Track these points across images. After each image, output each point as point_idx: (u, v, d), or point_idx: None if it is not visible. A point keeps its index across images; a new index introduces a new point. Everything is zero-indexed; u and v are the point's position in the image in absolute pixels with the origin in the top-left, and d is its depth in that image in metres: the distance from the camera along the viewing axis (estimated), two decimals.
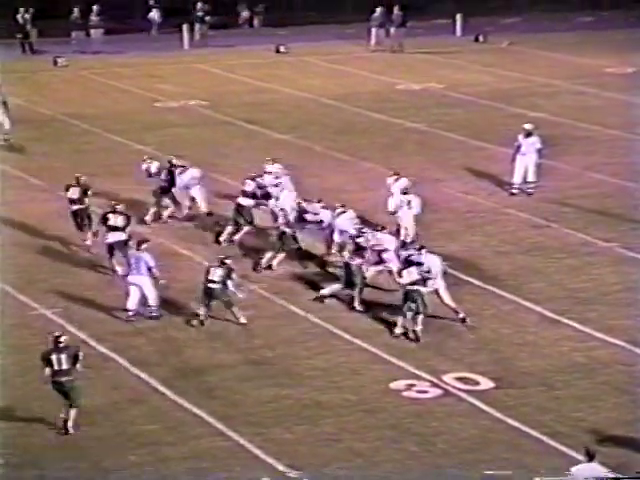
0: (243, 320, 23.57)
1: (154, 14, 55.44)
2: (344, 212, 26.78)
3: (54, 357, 19.71)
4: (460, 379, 21.48)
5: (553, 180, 32.34)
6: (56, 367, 19.65)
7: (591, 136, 37.35)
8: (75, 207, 27.78)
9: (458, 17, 55.41)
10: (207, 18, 54.58)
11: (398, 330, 23.04)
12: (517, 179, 31.59)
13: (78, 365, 19.76)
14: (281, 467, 18.40)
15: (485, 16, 56.67)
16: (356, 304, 24.41)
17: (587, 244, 28.12)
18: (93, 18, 53.53)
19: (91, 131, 38.70)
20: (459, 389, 21.07)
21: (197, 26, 54.08)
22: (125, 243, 25.60)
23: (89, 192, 27.90)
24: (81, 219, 27.66)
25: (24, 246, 28.28)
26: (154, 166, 29.76)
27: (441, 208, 30.22)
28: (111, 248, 25.89)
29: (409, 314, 22.88)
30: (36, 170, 34.08)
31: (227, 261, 24.02)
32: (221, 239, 27.91)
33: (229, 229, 27.98)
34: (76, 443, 19.28)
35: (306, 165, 33.34)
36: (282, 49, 51.85)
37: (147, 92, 44.23)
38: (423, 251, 23.90)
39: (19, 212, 30.57)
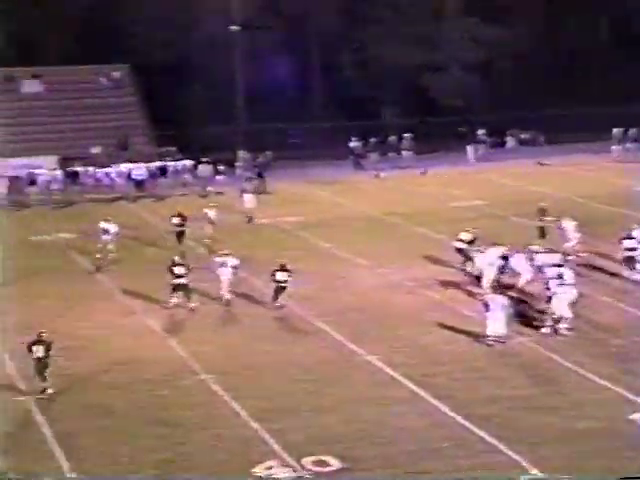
0: None
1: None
2: None
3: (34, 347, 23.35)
4: None
5: None
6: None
7: None
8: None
9: None
10: (486, 140, 60.48)
11: None
12: None
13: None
14: None
15: None
16: None
17: None
18: (405, 142, 59.85)
19: (402, 225, 40.99)
20: None
21: (479, 146, 58.83)
22: None
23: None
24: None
25: (359, 311, 29.74)
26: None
27: None
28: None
29: None
30: (360, 251, 36.34)
31: None
32: None
33: None
34: None
35: None
36: (543, 162, 54.92)
37: (443, 195, 46.70)
38: None
39: (344, 285, 32.71)
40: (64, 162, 52.88)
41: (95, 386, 24.45)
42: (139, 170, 51.11)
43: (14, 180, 50.19)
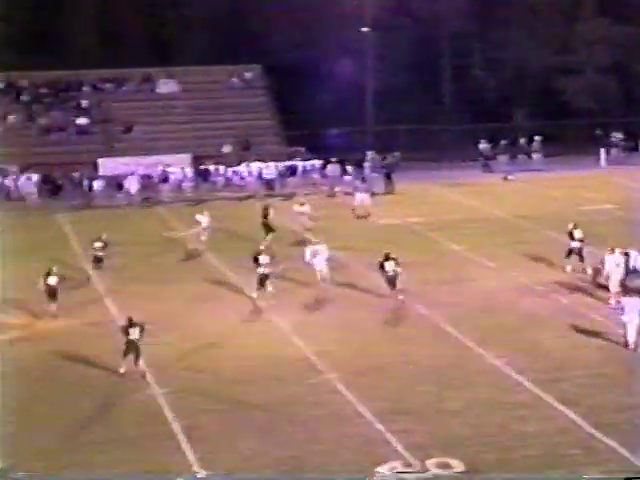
0: None
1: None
2: None
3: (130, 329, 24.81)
4: None
5: None
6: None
7: None
8: None
9: None
10: (620, 143, 58.98)
11: None
12: None
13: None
14: None
15: None
16: None
17: None
18: (535, 145, 58.64)
19: (531, 228, 40.62)
20: None
21: (612, 149, 57.70)
22: None
23: None
24: None
25: (486, 313, 29.78)
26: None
27: None
28: None
29: None
30: (489, 254, 36.15)
31: None
32: None
33: None
34: None
35: None
36: None
37: (573, 199, 46.03)
38: None
39: (471, 288, 32.65)
40: (196, 160, 53.82)
41: (223, 382, 24.84)
42: (269, 169, 51.72)
43: (147, 178, 51.24)
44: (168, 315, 30.09)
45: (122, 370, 25.24)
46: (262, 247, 33.88)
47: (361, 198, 45.08)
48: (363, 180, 48.87)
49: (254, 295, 31.21)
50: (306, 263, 32.60)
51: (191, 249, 37.59)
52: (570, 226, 34.42)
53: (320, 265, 32.11)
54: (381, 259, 31.07)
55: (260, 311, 30.68)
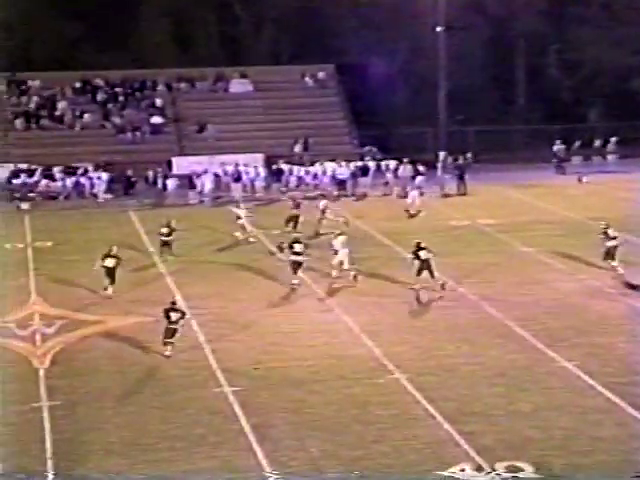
0: None
1: None
2: None
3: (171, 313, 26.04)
4: None
5: None
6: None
7: None
8: None
9: None
10: None
11: None
12: None
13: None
14: None
15: None
16: None
17: None
18: (610, 146, 58.51)
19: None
20: None
21: None
22: None
23: None
24: None
25: (557, 316, 29.40)
26: None
27: None
28: None
29: None
30: (561, 256, 36.14)
31: None
32: None
33: None
34: None
35: None
36: None
37: None
38: None
39: (542, 289, 32.28)
40: (268, 160, 54.04)
41: (292, 381, 24.88)
42: (341, 169, 51.72)
43: (219, 177, 51.54)
44: (238, 313, 30.10)
45: (167, 353, 26.20)
46: (297, 235, 34.90)
47: (413, 196, 45.53)
48: (413, 178, 49.14)
49: (295, 282, 32.17)
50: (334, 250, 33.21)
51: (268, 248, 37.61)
52: (602, 225, 34.48)
53: (342, 256, 32.85)
54: (414, 249, 31.73)
55: (330, 310, 30.65)
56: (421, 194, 46.59)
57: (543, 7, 65.04)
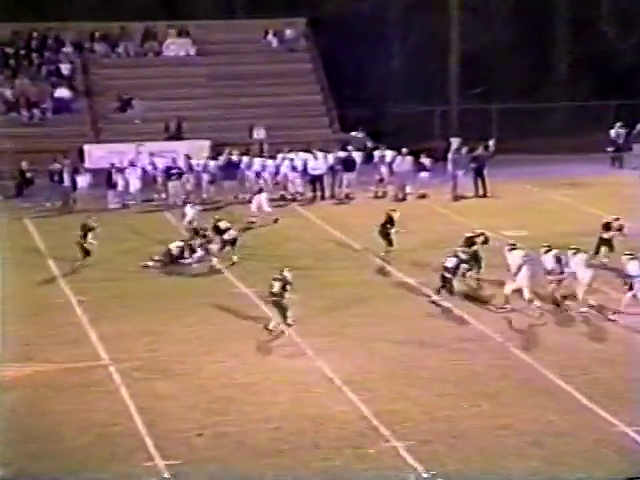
0: None
1: None
2: None
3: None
4: None
5: None
6: None
7: None
8: None
9: None
10: None
11: None
12: None
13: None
14: None
15: None
16: None
17: None
18: None
19: None
20: None
21: None
22: None
23: None
24: None
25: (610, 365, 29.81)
26: None
27: None
28: None
29: None
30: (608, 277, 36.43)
31: None
32: None
33: None
34: None
35: None
36: None
37: None
38: None
39: (601, 330, 32.73)
40: (216, 149, 54.12)
41: (249, 451, 24.87)
42: (316, 162, 51.65)
43: (148, 172, 51.67)
44: (174, 359, 30.24)
45: (271, 326, 32.05)
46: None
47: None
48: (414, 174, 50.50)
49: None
50: None
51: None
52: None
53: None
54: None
55: (301, 353, 30.81)
56: (425, 196, 46.74)
57: None
